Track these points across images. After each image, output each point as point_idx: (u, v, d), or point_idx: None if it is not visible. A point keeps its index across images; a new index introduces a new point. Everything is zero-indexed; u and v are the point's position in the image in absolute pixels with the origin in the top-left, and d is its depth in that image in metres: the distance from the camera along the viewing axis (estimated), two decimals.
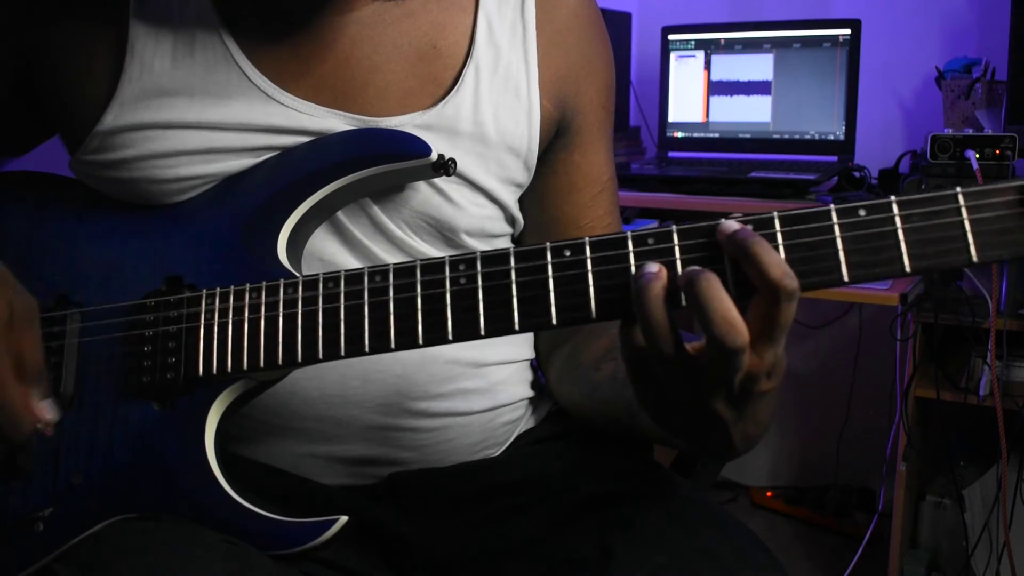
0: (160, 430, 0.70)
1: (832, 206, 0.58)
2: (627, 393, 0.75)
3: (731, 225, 0.58)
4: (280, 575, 0.67)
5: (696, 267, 0.57)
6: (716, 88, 2.19)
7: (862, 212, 0.57)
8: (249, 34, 0.77)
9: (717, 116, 2.20)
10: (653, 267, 0.58)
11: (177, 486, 0.69)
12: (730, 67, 2.17)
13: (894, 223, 0.57)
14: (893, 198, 0.57)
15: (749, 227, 0.58)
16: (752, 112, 2.15)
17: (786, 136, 2.12)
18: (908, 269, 0.57)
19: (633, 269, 0.60)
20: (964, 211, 0.56)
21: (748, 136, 2.16)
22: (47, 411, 0.64)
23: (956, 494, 1.87)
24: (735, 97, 2.17)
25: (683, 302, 0.58)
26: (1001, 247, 0.55)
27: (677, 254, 0.60)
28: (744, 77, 2.16)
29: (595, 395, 0.81)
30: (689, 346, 0.57)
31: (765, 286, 0.55)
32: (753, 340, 0.56)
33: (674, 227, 0.60)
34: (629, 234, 0.61)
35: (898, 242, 0.57)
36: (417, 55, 0.79)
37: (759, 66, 2.14)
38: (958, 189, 0.56)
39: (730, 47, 2.17)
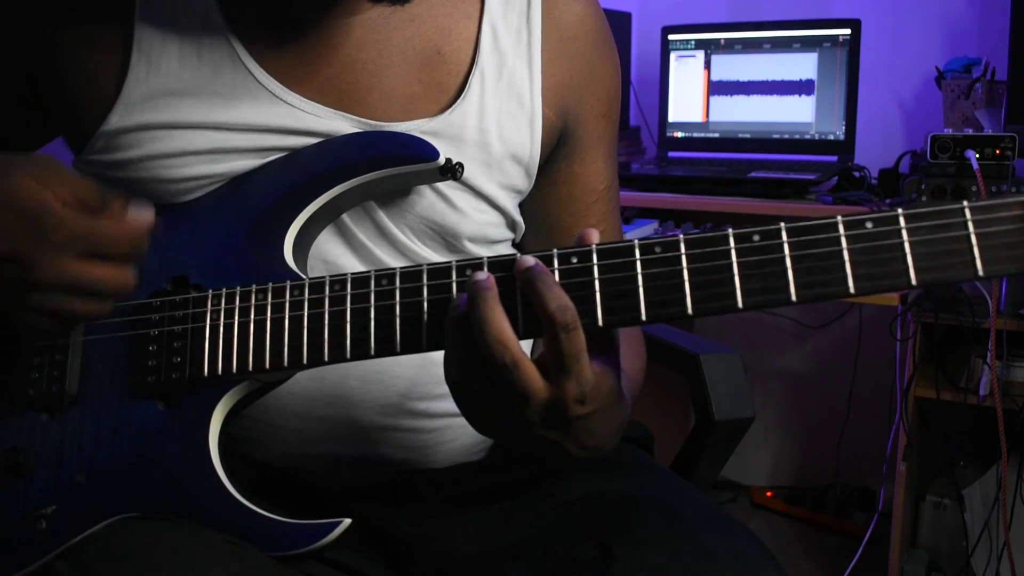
0: (164, 430, 0.70)
1: (840, 218, 0.58)
2: None
3: (525, 261, 0.61)
4: (281, 575, 0.68)
5: (482, 279, 0.59)
6: (716, 88, 2.20)
7: (869, 224, 0.57)
8: (254, 35, 0.77)
9: (717, 116, 2.20)
10: (481, 275, 0.60)
11: (180, 486, 0.70)
12: (730, 67, 2.18)
13: (901, 236, 0.57)
14: (900, 211, 0.57)
15: (541, 263, 0.60)
16: (753, 112, 2.15)
17: (786, 136, 2.12)
18: (914, 282, 0.56)
19: (641, 279, 0.60)
20: (971, 225, 0.56)
21: (748, 136, 2.17)
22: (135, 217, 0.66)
23: (956, 494, 1.87)
24: (735, 97, 2.18)
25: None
26: (1007, 262, 0.55)
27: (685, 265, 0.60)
28: (744, 77, 2.16)
29: None
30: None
31: (543, 318, 0.58)
32: (548, 371, 0.59)
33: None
34: (636, 241, 0.61)
35: (904, 255, 0.56)
36: (421, 60, 0.79)
37: (760, 65, 2.14)
38: (965, 203, 0.56)
39: (730, 47, 2.17)
